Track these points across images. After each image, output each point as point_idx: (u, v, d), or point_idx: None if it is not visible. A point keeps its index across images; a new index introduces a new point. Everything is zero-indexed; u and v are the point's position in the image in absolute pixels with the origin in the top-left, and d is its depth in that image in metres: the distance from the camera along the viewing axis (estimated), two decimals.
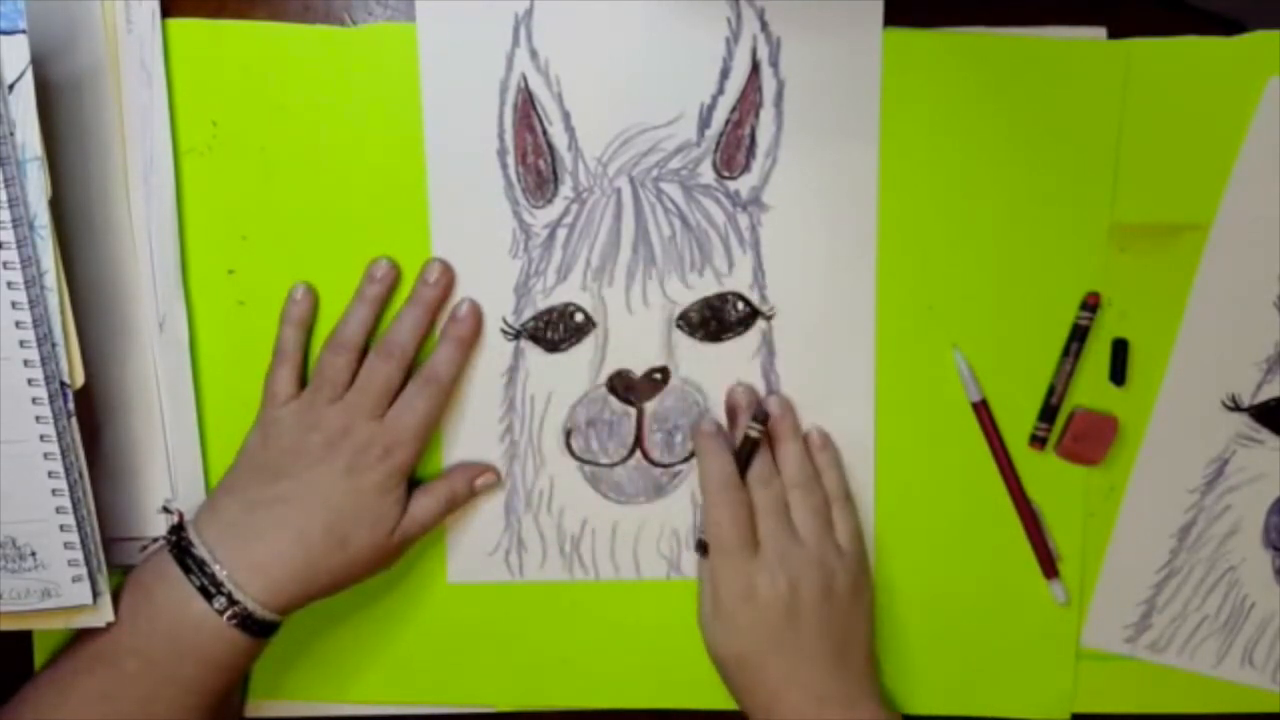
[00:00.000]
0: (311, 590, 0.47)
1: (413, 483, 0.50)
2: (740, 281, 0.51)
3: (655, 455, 0.53)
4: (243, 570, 0.46)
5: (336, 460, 0.48)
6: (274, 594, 0.46)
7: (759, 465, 0.50)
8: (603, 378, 0.52)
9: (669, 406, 0.52)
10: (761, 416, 0.50)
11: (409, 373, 0.49)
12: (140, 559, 0.50)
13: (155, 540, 0.50)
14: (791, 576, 0.48)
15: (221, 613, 0.46)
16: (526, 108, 0.50)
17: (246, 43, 0.50)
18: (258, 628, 0.46)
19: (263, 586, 0.46)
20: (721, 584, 0.49)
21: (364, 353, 0.50)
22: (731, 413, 0.52)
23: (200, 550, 0.46)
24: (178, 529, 0.48)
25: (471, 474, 0.51)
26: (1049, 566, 0.53)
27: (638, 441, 0.52)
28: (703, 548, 0.51)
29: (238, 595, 0.46)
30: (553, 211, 0.51)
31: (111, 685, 0.46)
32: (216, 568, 0.46)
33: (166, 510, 0.51)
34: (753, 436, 0.50)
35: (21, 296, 0.43)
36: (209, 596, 0.46)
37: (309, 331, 0.51)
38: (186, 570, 0.46)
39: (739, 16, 0.49)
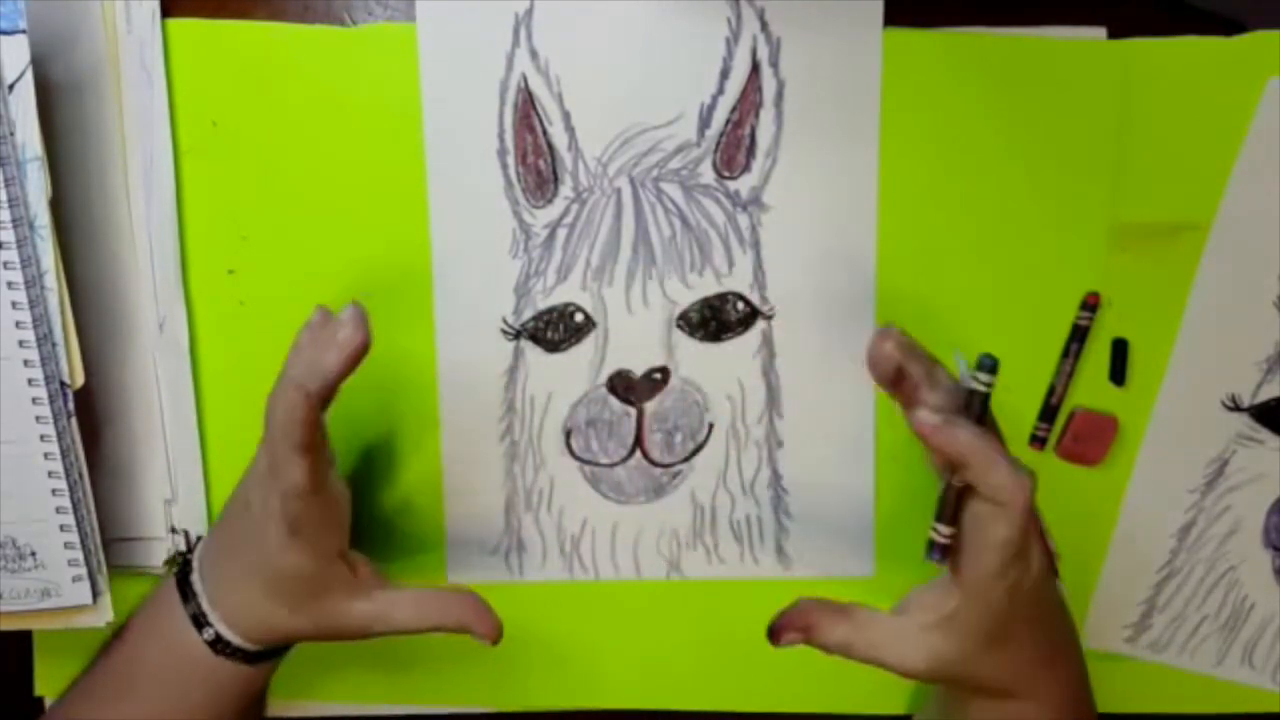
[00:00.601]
0: (288, 639, 0.46)
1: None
2: (740, 281, 0.51)
3: (655, 455, 0.53)
4: (223, 605, 0.45)
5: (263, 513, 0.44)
6: (249, 630, 0.45)
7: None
8: (603, 378, 0.52)
9: (669, 406, 0.52)
10: (989, 365, 0.41)
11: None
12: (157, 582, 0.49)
13: (173, 555, 0.50)
14: (1038, 551, 0.42)
15: (210, 644, 0.45)
16: (526, 108, 0.50)
17: (246, 43, 0.50)
18: (251, 657, 0.46)
19: (241, 625, 0.45)
20: (993, 586, 0.41)
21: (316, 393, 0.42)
22: (895, 374, 0.41)
23: (195, 579, 0.46)
24: (184, 553, 0.48)
25: (472, 617, 0.45)
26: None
27: (638, 441, 0.52)
28: (944, 551, 0.42)
29: (221, 629, 0.45)
30: (553, 211, 0.51)
31: (125, 711, 0.46)
32: (203, 600, 0.45)
33: (174, 531, 0.51)
34: (983, 392, 0.41)
35: (21, 296, 0.43)
36: (199, 626, 0.45)
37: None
38: (185, 598, 0.46)
39: (739, 16, 0.49)
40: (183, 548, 0.51)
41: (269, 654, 0.47)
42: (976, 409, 0.41)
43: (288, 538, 0.43)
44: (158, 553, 0.52)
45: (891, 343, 0.40)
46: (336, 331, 0.42)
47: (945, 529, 0.42)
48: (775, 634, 0.45)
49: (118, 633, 0.49)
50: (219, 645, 0.45)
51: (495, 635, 0.45)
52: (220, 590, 0.46)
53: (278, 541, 0.43)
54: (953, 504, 0.41)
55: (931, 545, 0.42)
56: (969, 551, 0.41)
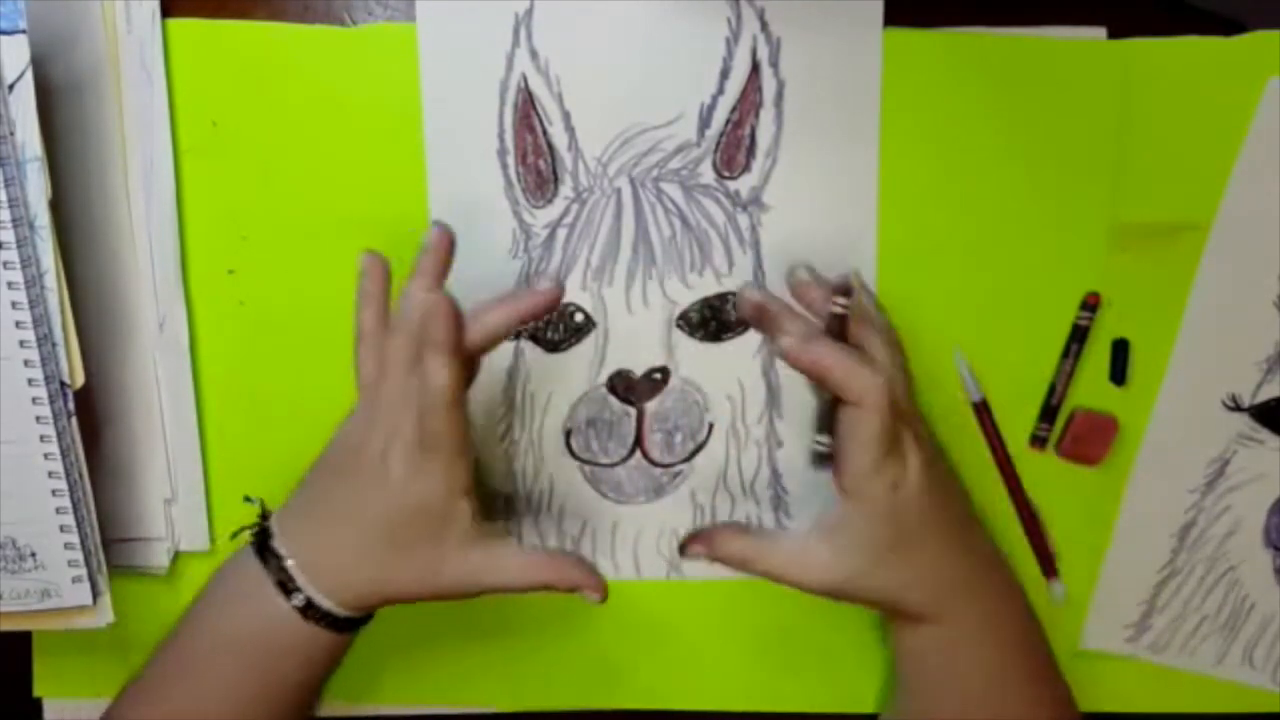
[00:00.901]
0: (384, 599, 0.45)
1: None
2: (740, 282, 0.51)
3: (655, 455, 0.53)
4: (313, 569, 0.44)
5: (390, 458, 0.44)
6: (345, 595, 0.44)
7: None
8: (603, 378, 0.52)
9: (669, 406, 0.52)
10: (844, 289, 0.44)
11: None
12: (229, 551, 0.48)
13: (242, 529, 0.48)
14: (921, 454, 0.45)
15: (299, 609, 0.44)
16: (526, 108, 0.50)
17: (246, 43, 0.50)
18: (338, 623, 0.45)
19: (334, 587, 0.44)
20: (869, 487, 0.44)
21: None
22: (761, 313, 0.46)
23: (278, 543, 0.45)
24: (261, 518, 0.47)
25: (582, 577, 0.46)
26: (1049, 566, 0.53)
27: (638, 441, 0.52)
28: (826, 459, 0.45)
29: (310, 593, 0.44)
30: (553, 211, 0.51)
31: (207, 687, 0.45)
32: (290, 563, 0.44)
33: (249, 500, 0.50)
34: (839, 313, 0.45)
35: (21, 296, 0.43)
36: (287, 592, 0.44)
37: (387, 307, 0.47)
38: (265, 563, 0.44)
39: (739, 16, 0.49)
40: (260, 514, 0.49)
41: (354, 622, 0.46)
42: (836, 329, 0.44)
43: (420, 461, 0.43)
44: (158, 553, 0.52)
45: (749, 290, 0.47)
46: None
47: (823, 438, 0.45)
48: (681, 549, 0.47)
49: (186, 614, 0.47)
50: (309, 610, 0.44)
51: (605, 594, 0.46)
52: (313, 552, 0.44)
53: (406, 471, 0.43)
54: (828, 416, 0.45)
55: (813, 455, 0.45)
56: (844, 456, 0.44)
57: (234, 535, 0.49)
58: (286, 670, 0.45)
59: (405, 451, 0.43)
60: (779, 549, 0.46)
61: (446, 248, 0.45)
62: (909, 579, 0.45)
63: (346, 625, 0.45)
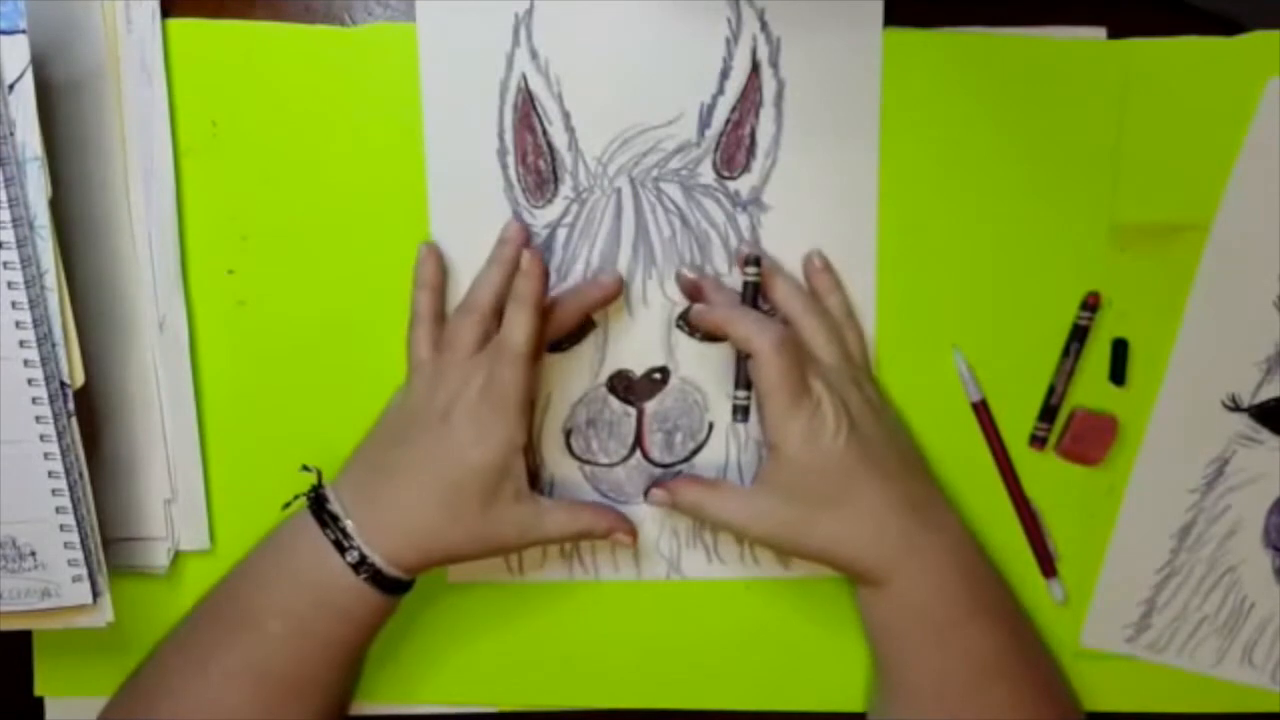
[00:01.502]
0: (434, 557, 0.47)
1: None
2: (740, 281, 0.51)
3: (655, 455, 0.53)
4: (370, 528, 0.46)
5: (457, 424, 0.47)
6: (399, 554, 0.46)
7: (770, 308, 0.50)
8: (603, 378, 0.52)
9: (669, 406, 0.52)
10: (754, 259, 0.49)
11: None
12: (280, 520, 0.50)
13: (296, 497, 0.50)
14: (839, 405, 0.47)
15: (354, 566, 0.46)
16: (526, 108, 0.50)
17: (246, 43, 0.50)
18: (389, 585, 0.47)
19: (388, 546, 0.46)
20: (784, 436, 0.46)
21: (498, 316, 0.48)
22: (695, 289, 0.50)
23: (335, 505, 0.47)
24: (317, 485, 0.48)
25: (615, 522, 0.50)
26: (1048, 566, 0.53)
27: (638, 441, 0.52)
28: (743, 412, 0.49)
29: (366, 551, 0.46)
30: (553, 211, 0.51)
31: (256, 652, 0.46)
32: (349, 523, 0.46)
33: (306, 469, 0.50)
34: (752, 281, 0.49)
35: (21, 296, 0.43)
36: (342, 551, 0.46)
37: (442, 294, 0.50)
38: (323, 525, 0.46)
39: (739, 16, 0.49)
40: (316, 480, 0.50)
41: (401, 585, 0.47)
42: (750, 296, 0.49)
43: (485, 417, 0.46)
44: (158, 553, 0.52)
45: (685, 269, 0.50)
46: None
47: (740, 392, 0.49)
48: (645, 493, 0.52)
49: (235, 571, 0.49)
50: (362, 567, 0.46)
51: (636, 537, 0.51)
52: (370, 513, 0.46)
53: (470, 428, 0.46)
54: (743, 372, 0.48)
55: (733, 410, 0.49)
56: (760, 408, 0.47)
57: (286, 505, 0.50)
58: (333, 628, 0.47)
59: (470, 410, 0.46)
60: (728, 498, 0.49)
61: (522, 240, 0.50)
62: (846, 533, 0.47)
63: (394, 587, 0.47)
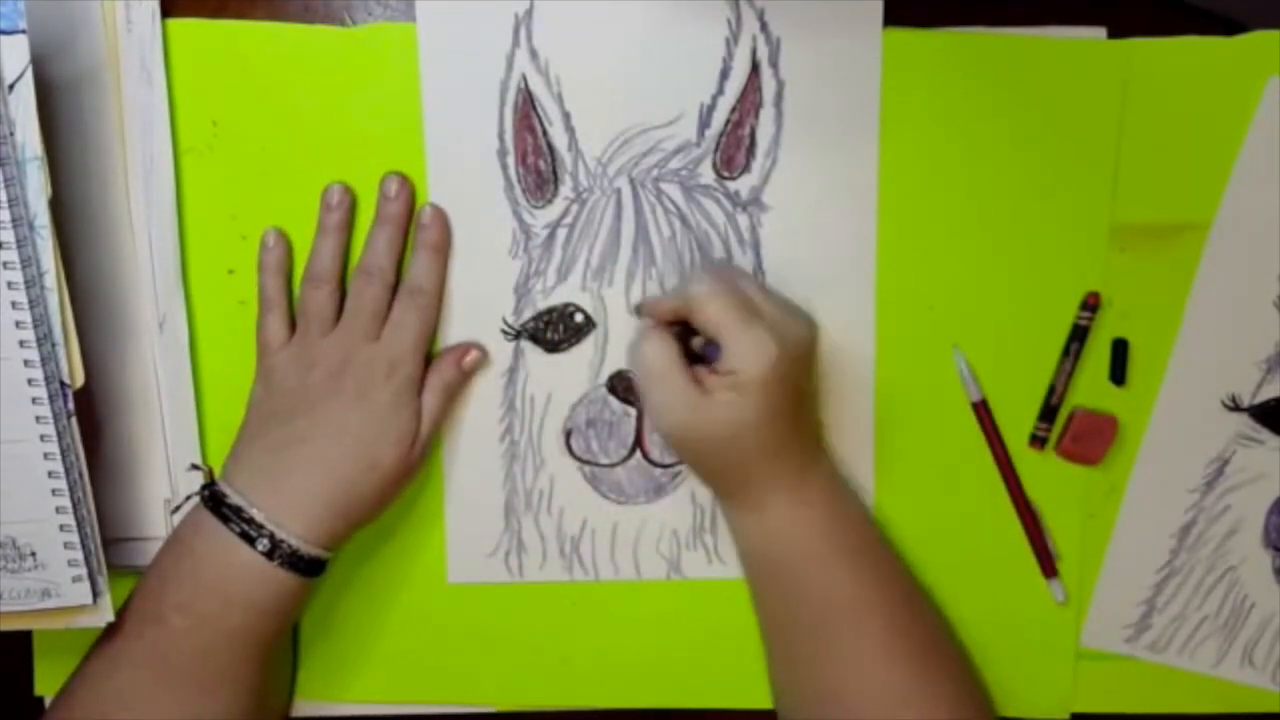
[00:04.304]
0: (351, 518, 0.48)
1: None
2: None
3: (655, 455, 0.53)
4: (280, 510, 0.46)
5: (344, 390, 0.48)
6: (315, 529, 0.46)
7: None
8: (603, 378, 0.52)
9: None
10: (636, 309, 0.51)
11: (394, 291, 0.50)
12: (174, 521, 0.50)
13: (187, 499, 0.50)
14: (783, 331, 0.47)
15: (266, 555, 0.46)
16: (527, 108, 0.50)
17: (246, 43, 0.50)
18: (305, 565, 0.46)
19: (303, 523, 0.46)
20: (741, 358, 0.46)
21: (343, 283, 0.50)
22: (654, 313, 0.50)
23: (235, 498, 0.47)
24: (209, 484, 0.48)
25: (457, 356, 0.51)
26: (1048, 566, 0.53)
27: (638, 442, 0.52)
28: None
29: (280, 535, 0.46)
30: (553, 212, 0.51)
31: (162, 645, 0.46)
32: (254, 512, 0.46)
33: (196, 467, 0.51)
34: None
35: (21, 296, 0.43)
36: (250, 541, 0.46)
37: (289, 277, 0.51)
38: (224, 520, 0.46)
39: (739, 16, 0.49)
40: (206, 478, 0.51)
41: (317, 566, 0.47)
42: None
43: (411, 402, 0.49)
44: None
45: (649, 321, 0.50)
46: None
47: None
48: (637, 309, 0.52)
49: (148, 567, 0.49)
50: (275, 553, 0.46)
51: (481, 353, 0.51)
52: (276, 493, 0.47)
53: (396, 404, 0.48)
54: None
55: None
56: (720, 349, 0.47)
57: (176, 509, 0.50)
58: (242, 621, 0.46)
59: (368, 366, 0.48)
60: (677, 381, 0.47)
61: (409, 194, 0.51)
62: (741, 455, 0.47)
63: (309, 568, 0.47)
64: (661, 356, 0.47)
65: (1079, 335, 0.51)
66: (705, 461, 0.49)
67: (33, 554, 0.45)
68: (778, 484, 0.48)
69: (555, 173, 0.51)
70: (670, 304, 0.48)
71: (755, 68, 0.50)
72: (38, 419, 0.44)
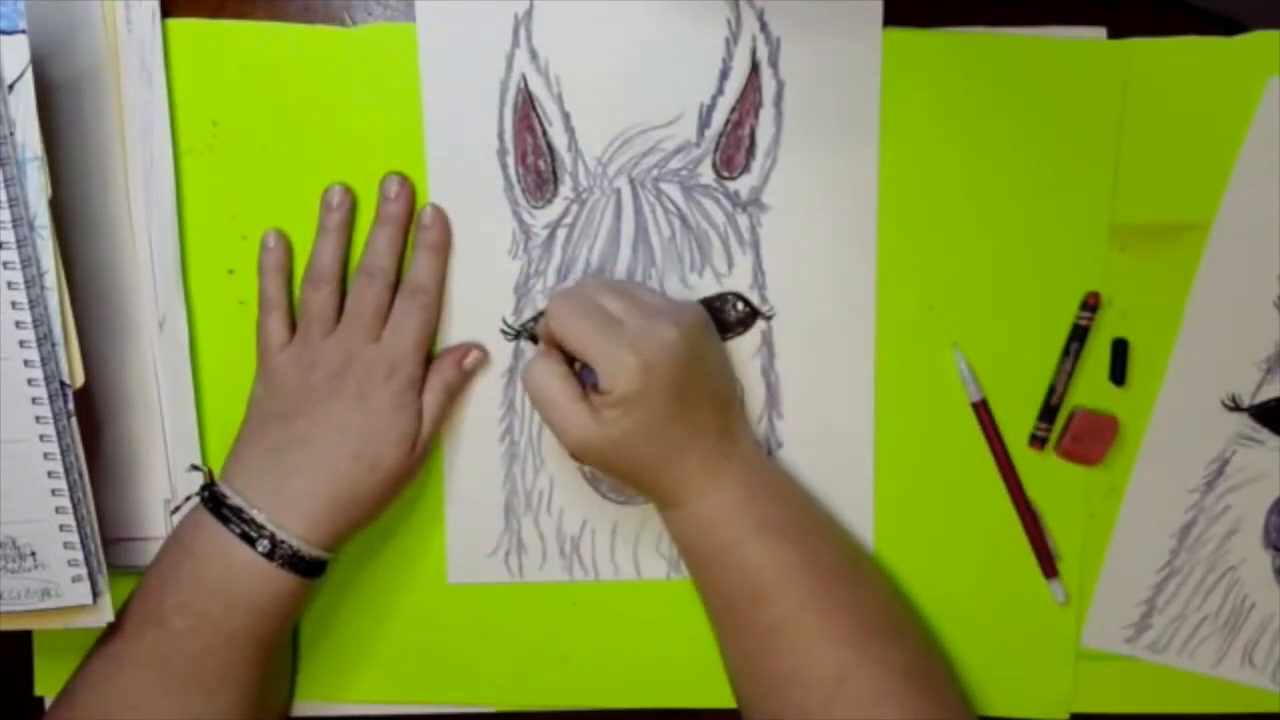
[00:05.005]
0: (352, 519, 0.48)
1: None
2: (740, 282, 0.51)
3: None
4: (281, 511, 0.46)
5: (345, 390, 0.48)
6: (316, 529, 0.47)
7: None
8: None
9: None
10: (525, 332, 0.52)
11: (394, 291, 0.50)
12: (173, 521, 0.50)
13: (186, 499, 0.50)
14: (646, 343, 0.46)
15: (267, 555, 0.46)
16: (526, 108, 0.50)
17: (246, 43, 0.50)
18: (305, 566, 0.47)
19: (303, 523, 0.46)
20: (609, 372, 0.46)
21: (344, 283, 0.50)
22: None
23: (235, 499, 0.47)
24: (208, 485, 0.48)
25: (458, 357, 0.51)
26: (1049, 566, 0.53)
27: None
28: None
29: (280, 536, 0.46)
30: (553, 212, 0.51)
31: (162, 647, 0.46)
32: (255, 513, 0.46)
33: (196, 468, 0.51)
34: (528, 333, 0.52)
35: (21, 296, 0.43)
36: (251, 542, 0.46)
37: (289, 277, 0.51)
38: (225, 521, 0.46)
39: (739, 16, 0.49)
40: (205, 479, 0.51)
41: (317, 567, 0.47)
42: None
43: (412, 403, 0.49)
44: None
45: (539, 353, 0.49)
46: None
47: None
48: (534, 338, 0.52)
49: (149, 568, 0.49)
50: (276, 553, 0.46)
51: (482, 353, 0.52)
52: (277, 494, 0.47)
53: (397, 404, 0.48)
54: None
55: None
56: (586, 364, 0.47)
57: (175, 509, 0.50)
58: (242, 623, 0.46)
59: (369, 367, 0.48)
60: (574, 408, 0.46)
61: (409, 194, 0.51)
62: (653, 459, 0.47)
63: (309, 568, 0.47)
64: (546, 382, 0.47)
65: (1079, 335, 0.51)
66: (614, 470, 0.48)
67: (33, 554, 0.45)
68: (688, 476, 0.47)
69: (555, 173, 0.51)
70: (544, 331, 0.48)
71: (755, 68, 0.50)
72: (38, 419, 0.44)
